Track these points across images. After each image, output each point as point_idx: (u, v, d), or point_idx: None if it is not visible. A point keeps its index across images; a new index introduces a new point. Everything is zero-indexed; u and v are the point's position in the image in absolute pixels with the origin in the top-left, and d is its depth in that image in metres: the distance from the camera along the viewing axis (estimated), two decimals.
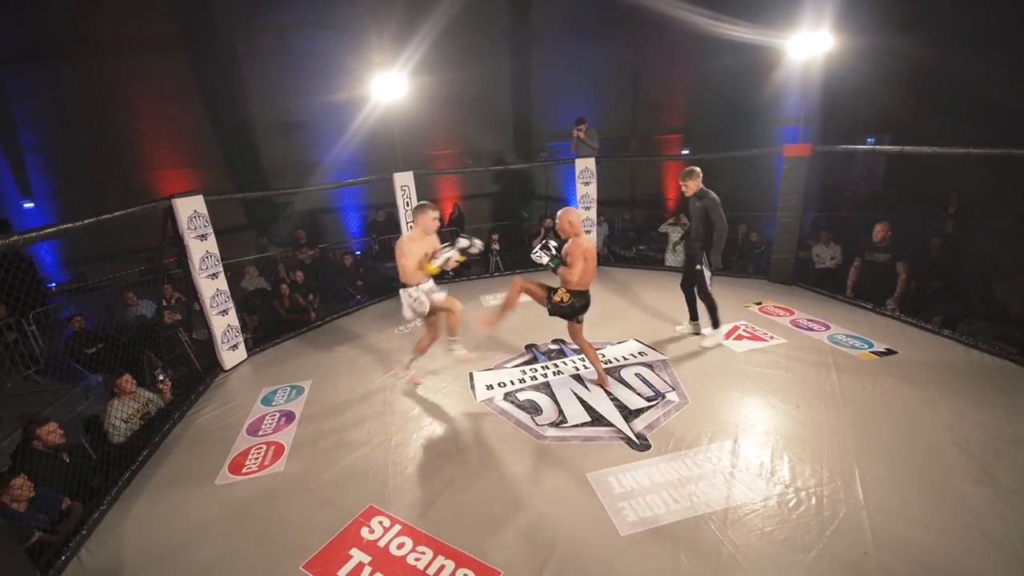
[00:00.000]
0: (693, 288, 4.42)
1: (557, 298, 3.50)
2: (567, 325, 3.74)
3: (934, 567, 2.16)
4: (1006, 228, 5.77)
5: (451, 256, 3.63)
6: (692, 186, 4.20)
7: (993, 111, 6.77)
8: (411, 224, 3.84)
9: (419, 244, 3.61)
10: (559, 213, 3.51)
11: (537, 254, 3.57)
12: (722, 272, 6.08)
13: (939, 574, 2.13)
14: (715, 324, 4.32)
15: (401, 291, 3.70)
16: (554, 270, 3.47)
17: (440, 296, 3.78)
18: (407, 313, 3.75)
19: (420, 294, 3.66)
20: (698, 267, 4.26)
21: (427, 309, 3.69)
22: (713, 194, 4.16)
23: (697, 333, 4.54)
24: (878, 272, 5.05)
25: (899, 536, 2.32)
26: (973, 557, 2.20)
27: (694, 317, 4.60)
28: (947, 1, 7.18)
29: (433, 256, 3.60)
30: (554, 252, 3.52)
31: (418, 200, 6.53)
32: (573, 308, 3.52)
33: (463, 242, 3.67)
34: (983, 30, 6.74)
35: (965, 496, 2.53)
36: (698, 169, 4.24)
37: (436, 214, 3.65)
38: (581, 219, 3.57)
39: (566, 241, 3.52)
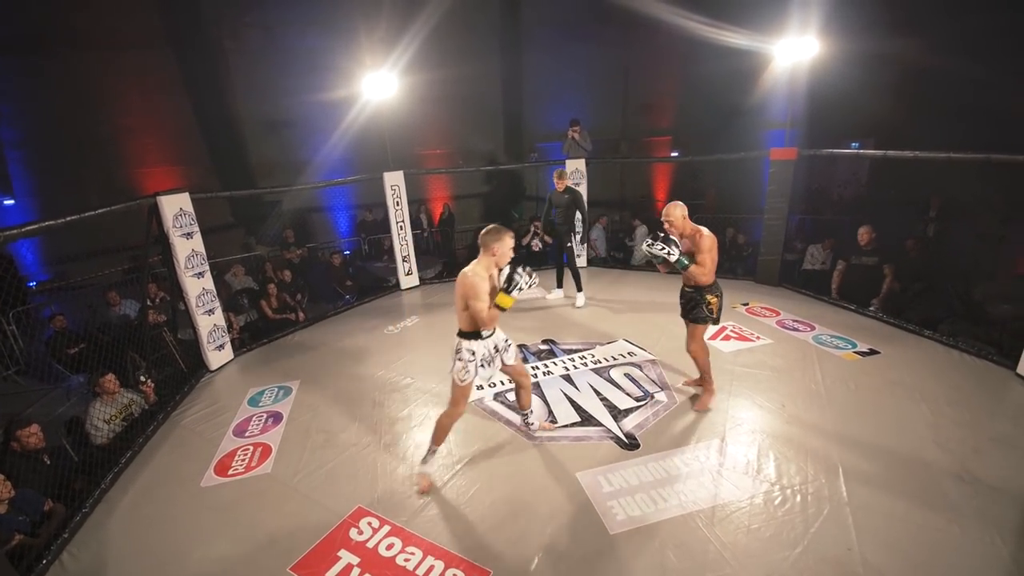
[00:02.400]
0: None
1: (715, 310, 3.22)
2: (689, 330, 3.35)
3: (916, 562, 2.21)
4: (985, 231, 5.91)
5: (525, 279, 2.60)
6: (562, 184, 5.43)
7: (975, 117, 6.92)
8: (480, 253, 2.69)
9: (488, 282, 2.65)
10: (666, 209, 3.15)
11: (663, 248, 3.03)
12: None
13: (921, 569, 2.18)
14: (579, 288, 5.55)
15: (471, 345, 2.69)
16: (684, 268, 3.11)
17: (513, 353, 2.94)
18: (466, 373, 2.70)
19: (490, 347, 2.76)
20: (568, 244, 5.50)
21: (493, 370, 2.82)
22: (578, 190, 5.68)
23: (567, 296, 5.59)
24: (864, 275, 5.12)
25: (882, 532, 2.37)
26: (954, 552, 2.25)
27: (560, 285, 5.80)
28: (932, 7, 7.32)
29: (509, 284, 2.58)
30: (678, 246, 3.08)
31: (409, 199, 6.54)
32: (720, 308, 3.28)
33: (528, 276, 2.64)
34: (967, 36, 6.88)
35: (946, 493, 2.59)
36: (568, 171, 5.68)
37: (513, 241, 2.69)
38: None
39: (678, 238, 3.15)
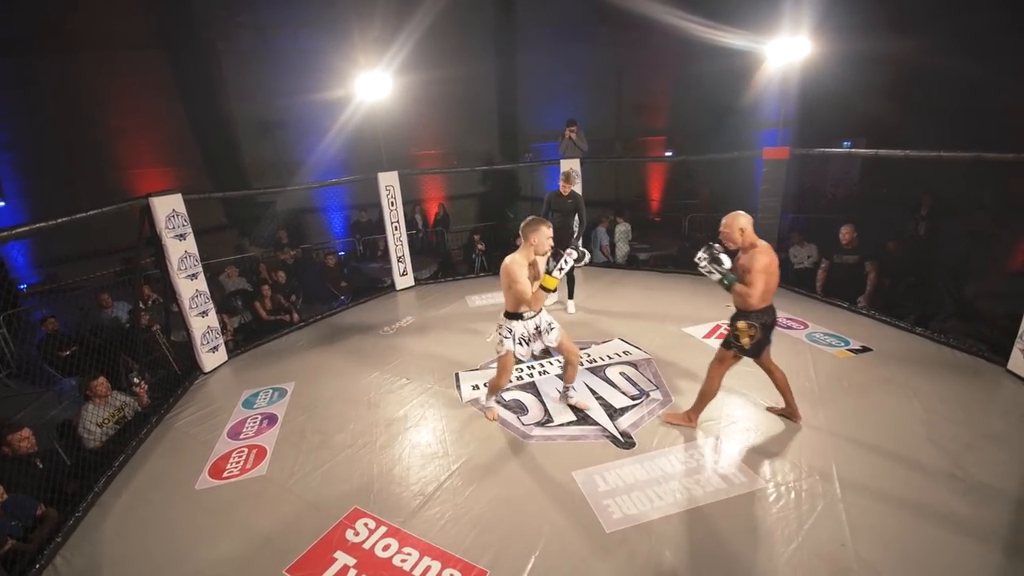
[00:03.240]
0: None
1: (745, 339, 2.86)
2: (719, 354, 3.04)
3: (909, 558, 2.23)
4: (976, 229, 5.97)
5: (569, 261, 2.87)
6: (569, 188, 5.15)
7: (966, 116, 6.99)
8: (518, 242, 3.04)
9: (527, 268, 2.99)
10: (725, 220, 2.86)
11: (706, 267, 2.87)
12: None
13: (914, 564, 2.20)
14: (570, 295, 5.46)
15: (510, 324, 3.05)
16: (728, 287, 2.83)
17: (556, 335, 3.20)
18: (509, 348, 3.07)
19: (530, 328, 3.08)
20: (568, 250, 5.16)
21: (533, 348, 3.13)
22: (580, 194, 5.34)
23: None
24: (847, 273, 5.20)
25: (875, 528, 2.39)
26: (947, 547, 2.27)
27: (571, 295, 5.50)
28: (924, 7, 7.38)
29: (552, 265, 2.88)
30: (724, 263, 2.83)
31: (403, 200, 6.52)
32: (762, 339, 2.91)
33: (574, 253, 2.94)
34: (959, 36, 6.95)
35: (939, 489, 2.61)
36: (563, 171, 5.26)
37: (550, 231, 2.99)
38: (749, 222, 2.84)
39: (735, 253, 2.90)
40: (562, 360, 3.45)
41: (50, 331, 5.10)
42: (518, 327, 3.06)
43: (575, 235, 5.44)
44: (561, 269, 2.84)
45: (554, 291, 2.92)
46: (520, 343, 3.08)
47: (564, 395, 3.55)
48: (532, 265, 3.01)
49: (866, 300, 5.02)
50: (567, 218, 5.27)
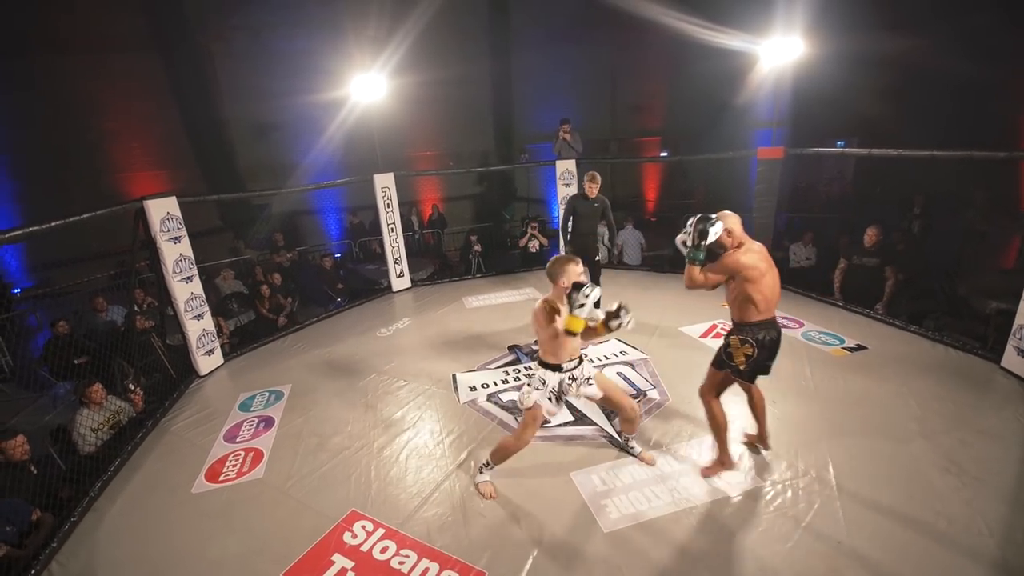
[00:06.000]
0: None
1: (740, 358, 2.53)
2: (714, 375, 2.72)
3: (905, 553, 2.24)
4: (969, 227, 6.01)
5: (593, 302, 2.38)
6: (595, 189, 4.75)
7: (958, 115, 7.05)
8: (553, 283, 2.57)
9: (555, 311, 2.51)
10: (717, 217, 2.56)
11: (688, 234, 2.55)
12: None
13: (910, 560, 2.21)
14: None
15: (543, 374, 2.59)
16: (693, 261, 2.54)
17: (594, 391, 2.71)
18: (527, 398, 2.60)
19: (558, 382, 2.59)
20: (597, 258, 4.88)
21: (566, 405, 2.73)
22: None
23: None
24: (866, 276, 5.04)
25: (871, 524, 2.40)
26: (942, 543, 2.28)
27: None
28: (918, 8, 7.44)
29: (573, 302, 2.36)
30: (707, 238, 2.49)
31: (399, 201, 6.51)
32: (759, 359, 2.55)
33: (623, 317, 2.57)
34: (953, 36, 7.00)
35: (933, 485, 2.63)
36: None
37: (580, 268, 2.58)
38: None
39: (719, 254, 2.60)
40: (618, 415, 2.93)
41: (60, 334, 4.98)
42: (552, 378, 2.58)
43: (607, 244, 5.13)
44: (582, 306, 2.33)
45: (576, 334, 2.44)
46: (551, 398, 2.59)
47: (626, 447, 3.05)
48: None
49: (884, 306, 4.83)
50: (593, 223, 4.88)
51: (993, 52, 6.81)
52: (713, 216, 2.53)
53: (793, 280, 5.93)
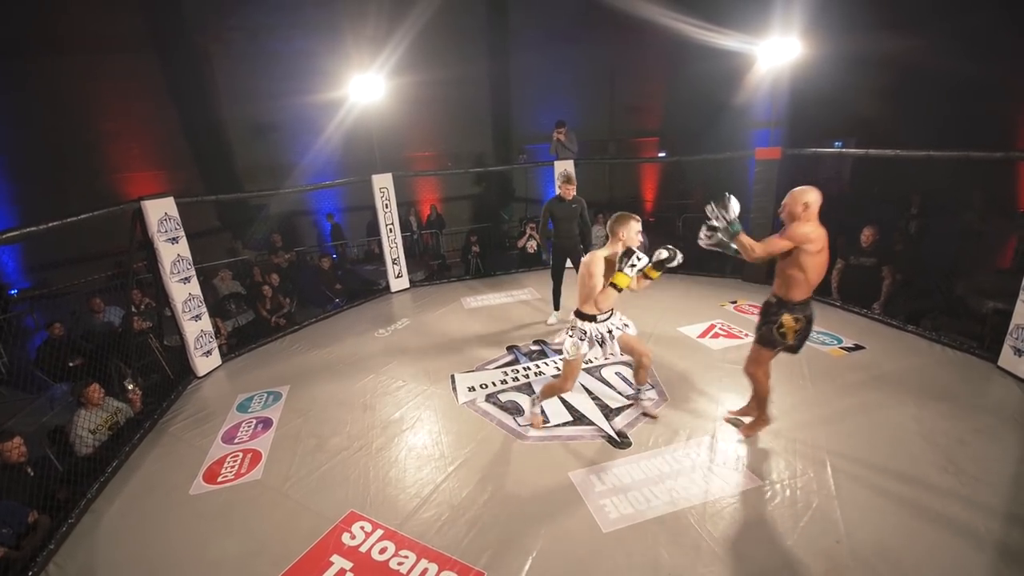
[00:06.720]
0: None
1: (791, 335, 2.67)
2: (752, 350, 2.91)
3: (904, 553, 2.24)
4: (966, 227, 6.03)
5: (645, 262, 2.68)
6: (571, 191, 4.79)
7: (955, 116, 7.07)
8: (604, 238, 2.91)
9: (605, 264, 2.83)
10: (791, 192, 2.65)
11: (715, 214, 2.67)
12: (699, 272, 6.24)
13: (908, 560, 2.21)
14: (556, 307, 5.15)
15: (583, 326, 2.90)
16: (736, 233, 2.62)
17: (632, 332, 3.07)
18: (576, 350, 2.92)
19: (597, 331, 2.93)
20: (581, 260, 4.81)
21: (604, 351, 2.99)
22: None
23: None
24: (864, 276, 5.06)
25: (870, 524, 2.40)
26: (940, 542, 2.29)
27: (557, 307, 5.18)
28: (914, 8, 7.46)
29: (624, 262, 2.67)
30: (730, 217, 2.62)
31: (397, 202, 6.51)
32: (805, 331, 2.74)
33: (664, 253, 2.80)
34: (947, 37, 7.02)
35: (931, 484, 2.63)
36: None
37: (639, 224, 2.84)
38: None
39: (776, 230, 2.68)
40: (631, 362, 3.25)
41: (55, 336, 4.98)
42: (591, 328, 2.91)
43: (583, 243, 4.97)
44: (633, 266, 2.65)
45: (621, 290, 2.74)
46: (593, 345, 2.93)
47: (637, 396, 3.40)
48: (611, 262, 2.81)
49: (881, 306, 4.85)
50: (573, 225, 4.85)
51: (991, 52, 6.84)
52: (728, 196, 2.66)
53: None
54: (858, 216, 5.55)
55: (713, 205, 2.68)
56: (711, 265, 6.74)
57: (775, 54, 5.33)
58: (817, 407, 3.39)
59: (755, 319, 4.80)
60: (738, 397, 3.54)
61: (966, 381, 3.62)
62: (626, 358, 4.22)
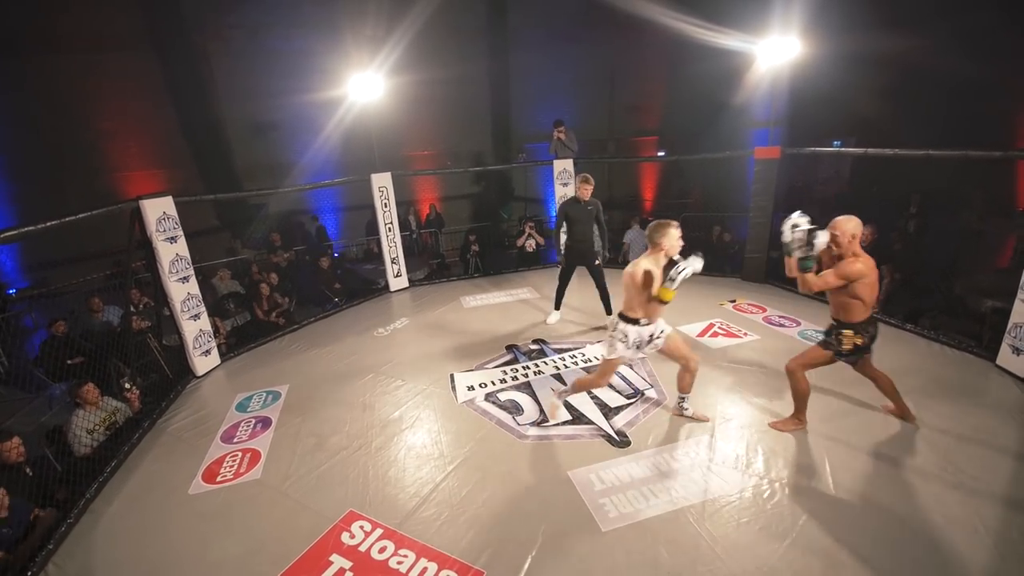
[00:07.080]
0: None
1: (848, 346, 2.84)
2: (808, 348, 3.07)
3: (902, 552, 2.25)
4: (965, 226, 6.05)
5: (688, 272, 2.73)
6: (588, 191, 4.68)
7: (954, 115, 7.08)
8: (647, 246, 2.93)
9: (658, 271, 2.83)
10: (838, 221, 2.77)
11: (796, 234, 2.74)
12: (698, 271, 6.23)
13: (907, 558, 2.22)
14: (608, 311, 4.97)
15: (626, 328, 2.92)
16: (802, 269, 2.78)
17: (662, 343, 3.05)
18: (623, 354, 2.97)
19: (639, 336, 2.94)
20: (597, 263, 4.85)
21: (642, 355, 3.04)
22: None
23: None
24: None
25: (868, 523, 2.41)
26: (939, 540, 2.29)
27: (558, 307, 5.14)
28: (913, 8, 7.47)
29: (667, 276, 2.72)
30: (816, 244, 2.72)
31: (397, 201, 6.51)
32: (865, 346, 2.90)
33: (698, 263, 2.77)
34: (947, 37, 7.03)
35: (930, 483, 2.64)
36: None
37: (679, 232, 2.89)
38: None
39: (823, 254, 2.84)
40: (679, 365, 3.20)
41: (58, 334, 4.95)
42: (632, 332, 2.92)
43: (603, 246, 4.93)
44: (672, 280, 2.68)
45: (667, 303, 2.79)
46: (632, 348, 2.95)
47: (680, 407, 3.33)
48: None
49: (880, 304, 4.81)
50: (588, 228, 4.76)
51: (991, 52, 6.84)
52: (815, 227, 2.72)
53: (791, 280, 5.95)
54: (857, 216, 5.55)
55: (798, 231, 2.72)
56: (710, 265, 6.73)
57: (774, 53, 5.32)
58: (815, 405, 3.37)
59: (754, 318, 4.85)
60: (737, 397, 3.55)
61: (964, 380, 3.63)
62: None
